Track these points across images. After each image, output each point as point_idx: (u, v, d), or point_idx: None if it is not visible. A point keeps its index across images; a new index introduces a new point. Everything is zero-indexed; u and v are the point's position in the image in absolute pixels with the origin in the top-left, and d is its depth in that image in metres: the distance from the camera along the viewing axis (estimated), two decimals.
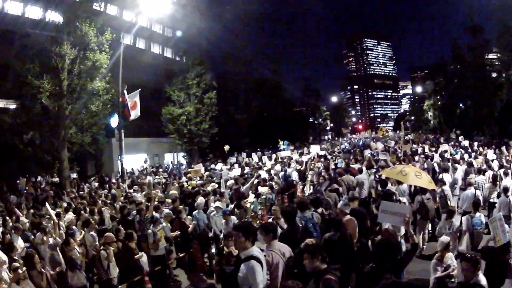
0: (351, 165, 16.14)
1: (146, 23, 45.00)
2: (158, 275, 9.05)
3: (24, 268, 7.05)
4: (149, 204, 10.78)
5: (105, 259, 8.13)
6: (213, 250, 10.36)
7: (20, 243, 9.23)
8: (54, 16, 22.55)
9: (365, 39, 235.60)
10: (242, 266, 4.59)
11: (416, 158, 17.98)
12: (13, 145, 21.07)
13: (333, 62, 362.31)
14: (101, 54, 19.90)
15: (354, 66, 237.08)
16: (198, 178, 17.84)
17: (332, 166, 17.11)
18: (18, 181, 20.44)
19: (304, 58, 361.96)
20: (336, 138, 73.10)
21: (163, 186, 16.66)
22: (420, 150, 22.49)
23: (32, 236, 9.77)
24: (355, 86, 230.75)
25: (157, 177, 21.34)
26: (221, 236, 9.20)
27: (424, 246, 9.99)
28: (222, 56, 46.15)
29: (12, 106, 21.44)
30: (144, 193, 14.63)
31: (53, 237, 8.87)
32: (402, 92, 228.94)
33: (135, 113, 21.27)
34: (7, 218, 11.54)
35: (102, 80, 20.31)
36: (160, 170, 26.58)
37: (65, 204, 13.54)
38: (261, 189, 13.78)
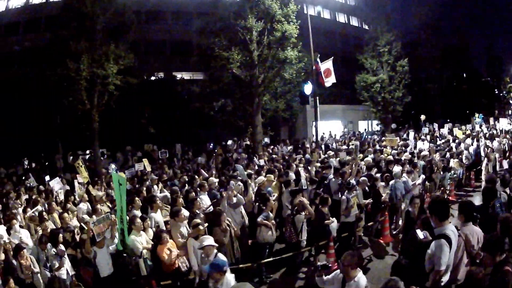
0: None
1: None
2: (344, 241, 9.05)
3: (206, 224, 7.46)
4: (351, 170, 11.25)
5: (298, 222, 8.20)
6: (400, 222, 10.24)
7: (205, 201, 9.31)
8: None
9: None
10: (433, 243, 4.52)
11: None
12: (203, 112, 22.53)
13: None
14: (289, 25, 19.50)
15: None
16: (392, 147, 17.53)
17: None
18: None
19: (487, 24, 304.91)
20: None
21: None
22: None
23: (219, 195, 9.75)
24: None
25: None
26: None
27: None
28: (409, 24, 42.48)
29: (199, 77, 22.82)
30: (338, 159, 14.74)
31: (236, 196, 8.77)
32: None
33: (329, 80, 21.18)
34: (195, 177, 11.91)
35: (294, 49, 19.93)
36: (353, 137, 26.05)
37: (256, 167, 13.60)
38: (452, 163, 13.51)
